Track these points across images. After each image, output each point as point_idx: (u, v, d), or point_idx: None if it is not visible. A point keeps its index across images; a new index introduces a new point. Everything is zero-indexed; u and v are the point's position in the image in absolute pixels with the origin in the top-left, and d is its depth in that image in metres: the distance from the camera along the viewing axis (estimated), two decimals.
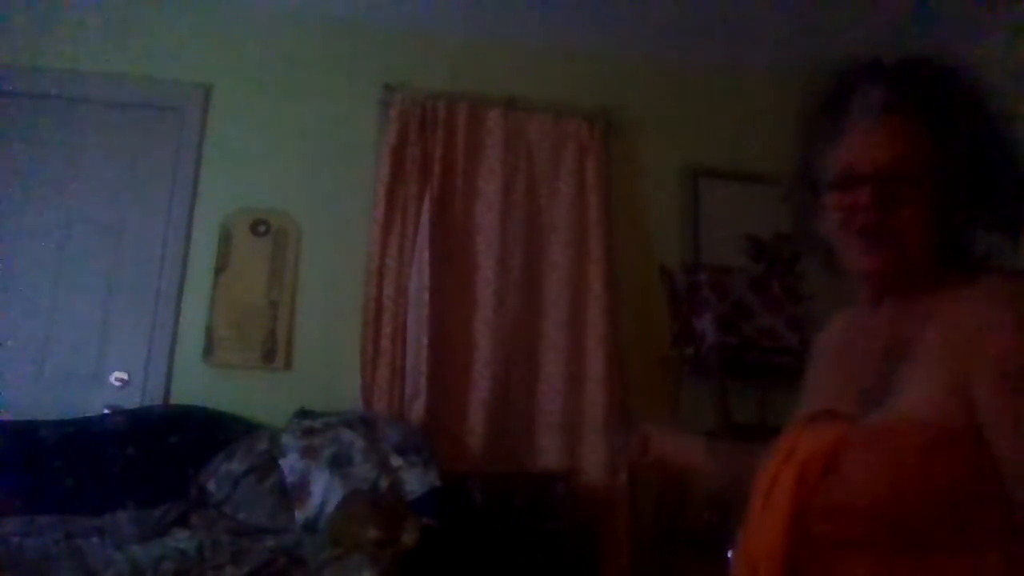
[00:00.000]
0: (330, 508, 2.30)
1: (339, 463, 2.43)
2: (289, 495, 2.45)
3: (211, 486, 2.55)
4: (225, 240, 3.06)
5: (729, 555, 2.37)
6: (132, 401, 2.87)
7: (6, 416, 2.64)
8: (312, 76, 3.25)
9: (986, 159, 0.96)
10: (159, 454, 2.64)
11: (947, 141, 0.95)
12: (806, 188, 1.07)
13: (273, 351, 2.99)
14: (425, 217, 3.03)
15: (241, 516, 2.44)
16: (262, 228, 3.09)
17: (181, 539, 2.16)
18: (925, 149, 0.95)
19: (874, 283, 1.03)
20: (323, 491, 2.39)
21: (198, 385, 2.91)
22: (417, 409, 2.86)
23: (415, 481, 2.39)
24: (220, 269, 3.03)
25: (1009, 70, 2.65)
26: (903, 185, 0.95)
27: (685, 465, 1.33)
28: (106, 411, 2.79)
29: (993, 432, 0.84)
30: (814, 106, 1.07)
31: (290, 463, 2.50)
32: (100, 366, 2.92)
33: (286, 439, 2.58)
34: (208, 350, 2.96)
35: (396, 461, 2.45)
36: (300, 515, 2.39)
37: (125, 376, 2.91)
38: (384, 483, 2.37)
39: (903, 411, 0.90)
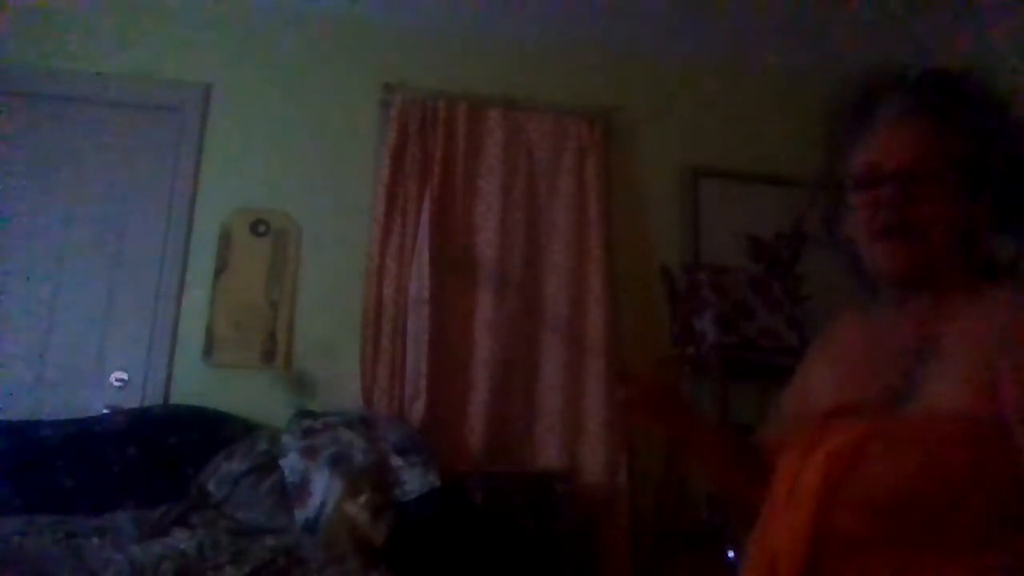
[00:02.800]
0: (330, 508, 2.30)
1: (339, 463, 2.43)
2: (289, 495, 2.45)
3: (211, 486, 2.55)
4: (225, 240, 3.06)
5: (730, 555, 2.37)
6: (132, 401, 2.87)
7: (6, 416, 2.64)
8: (312, 76, 3.25)
9: (1006, 164, 0.98)
10: (159, 454, 2.64)
11: (968, 143, 0.98)
12: (831, 190, 1.09)
13: (273, 351, 2.99)
14: (425, 217, 3.03)
15: (241, 516, 2.44)
16: (262, 228, 3.09)
17: (181, 539, 2.16)
18: (947, 150, 0.98)
19: (899, 282, 1.03)
20: (323, 491, 2.39)
21: (198, 385, 2.91)
22: (417, 409, 2.86)
23: (415, 481, 2.39)
24: (220, 269, 3.03)
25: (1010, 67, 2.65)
26: (926, 183, 0.97)
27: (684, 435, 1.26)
28: (106, 411, 2.79)
29: (1019, 429, 0.84)
30: (840, 109, 1.09)
31: (290, 463, 2.50)
32: (100, 366, 2.92)
33: (286, 439, 2.58)
34: (208, 350, 2.96)
35: (396, 461, 2.45)
36: (300, 515, 2.39)
37: (125, 376, 2.91)
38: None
39: (930, 407, 0.90)
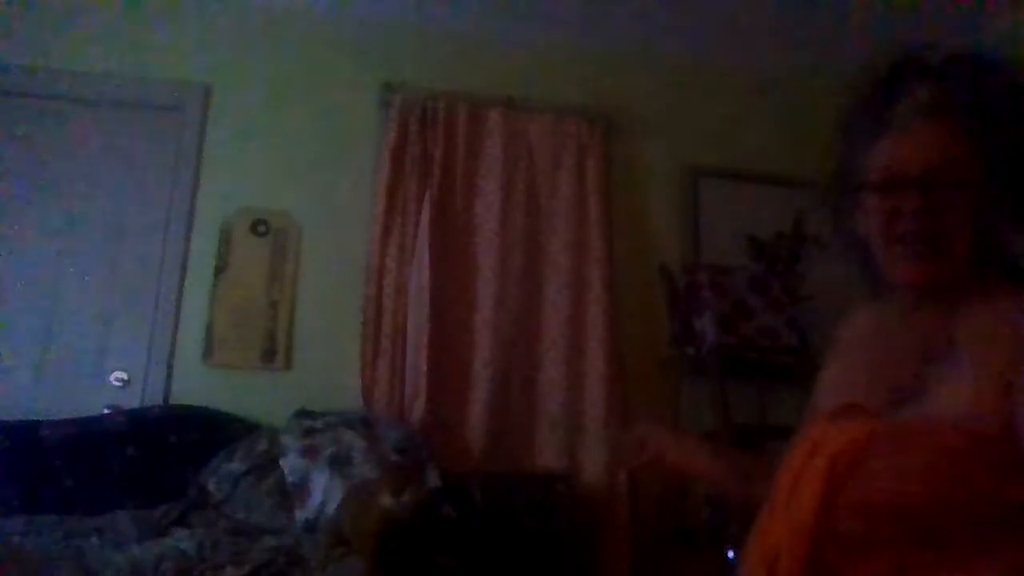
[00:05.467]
0: (330, 508, 2.30)
1: (339, 463, 2.43)
2: (289, 495, 2.45)
3: (211, 486, 2.55)
4: (225, 240, 3.05)
5: (730, 555, 2.37)
6: (132, 401, 2.86)
7: (6, 416, 2.64)
8: (312, 76, 3.25)
9: None
10: (159, 454, 2.64)
11: (995, 143, 0.92)
12: (843, 187, 1.03)
13: (273, 351, 2.99)
14: (425, 217, 3.03)
15: (241, 516, 2.44)
16: (262, 228, 3.09)
17: (181, 539, 2.16)
18: (972, 152, 0.93)
19: (915, 290, 1.00)
20: (323, 491, 2.39)
21: (198, 385, 2.91)
22: (417, 409, 2.86)
23: None
24: (220, 269, 3.03)
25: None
26: (948, 191, 0.92)
27: (686, 469, 1.31)
28: (106, 411, 2.79)
29: None
30: (857, 101, 1.03)
31: (290, 463, 2.50)
32: (100, 366, 2.92)
33: (286, 439, 2.58)
34: (208, 350, 2.96)
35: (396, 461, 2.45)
36: (300, 515, 2.39)
37: (125, 376, 2.91)
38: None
39: (937, 411, 0.88)
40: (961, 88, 0.95)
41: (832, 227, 1.09)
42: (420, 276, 2.96)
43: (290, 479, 2.47)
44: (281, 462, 2.52)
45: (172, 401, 2.88)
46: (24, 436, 2.58)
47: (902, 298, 1.03)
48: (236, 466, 2.57)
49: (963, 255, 0.94)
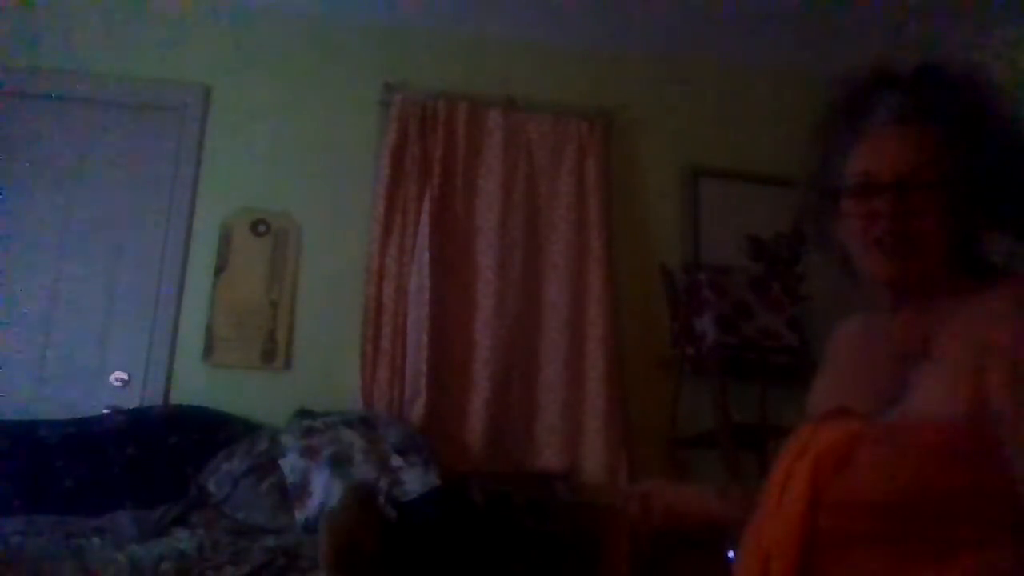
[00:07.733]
0: (330, 508, 2.30)
1: (339, 463, 2.43)
2: (289, 495, 2.45)
3: (211, 486, 2.55)
4: (225, 240, 3.06)
5: (730, 555, 2.37)
6: (132, 401, 2.87)
7: (6, 416, 2.64)
8: (312, 76, 3.25)
9: (1004, 164, 0.96)
10: (159, 454, 2.64)
11: (966, 147, 0.96)
12: (822, 193, 1.07)
13: (273, 351, 2.99)
14: (425, 217, 3.03)
15: (241, 516, 2.44)
16: (262, 228, 3.09)
17: (181, 539, 2.16)
18: (944, 156, 0.96)
19: (892, 291, 1.03)
20: (323, 491, 2.39)
21: (198, 385, 2.91)
22: (417, 409, 2.86)
23: (415, 481, 2.39)
24: (220, 269, 3.03)
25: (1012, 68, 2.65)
26: (922, 193, 0.95)
27: (693, 518, 1.29)
28: (106, 411, 2.79)
29: (1004, 424, 0.84)
30: (832, 111, 1.07)
31: (290, 463, 2.50)
32: (100, 366, 2.92)
33: (286, 439, 2.58)
34: (208, 350, 2.96)
35: (396, 461, 2.45)
36: (300, 515, 2.39)
37: (125, 376, 2.91)
38: (384, 483, 2.37)
39: (919, 410, 0.91)
40: (931, 95, 0.99)
41: (810, 230, 1.12)
42: (420, 276, 2.96)
43: (290, 479, 2.47)
44: (281, 462, 2.52)
45: (172, 401, 2.88)
46: (24, 436, 2.58)
47: (884, 299, 1.05)
48: (236, 466, 2.57)
49: (938, 255, 0.97)
